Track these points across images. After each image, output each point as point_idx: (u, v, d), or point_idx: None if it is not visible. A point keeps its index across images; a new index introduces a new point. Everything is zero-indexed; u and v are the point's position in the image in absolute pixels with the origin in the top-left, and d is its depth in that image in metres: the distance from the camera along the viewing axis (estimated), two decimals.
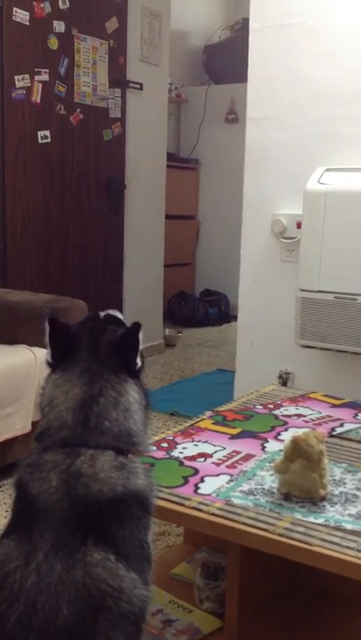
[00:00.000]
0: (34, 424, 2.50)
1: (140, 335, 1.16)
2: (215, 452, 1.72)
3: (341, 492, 1.50)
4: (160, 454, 1.69)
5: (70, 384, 1.14)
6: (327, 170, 2.63)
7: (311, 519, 1.38)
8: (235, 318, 3.34)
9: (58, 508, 1.05)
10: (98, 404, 1.12)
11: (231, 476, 1.58)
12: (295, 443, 1.45)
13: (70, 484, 1.06)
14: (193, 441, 1.79)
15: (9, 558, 1.03)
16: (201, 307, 5.88)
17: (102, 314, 1.27)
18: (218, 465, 1.64)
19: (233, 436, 1.82)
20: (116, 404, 1.13)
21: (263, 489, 1.51)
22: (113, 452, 1.12)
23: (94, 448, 1.10)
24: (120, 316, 1.30)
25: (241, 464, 1.65)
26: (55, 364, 1.17)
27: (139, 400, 1.18)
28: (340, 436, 1.86)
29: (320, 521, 1.37)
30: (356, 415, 2.02)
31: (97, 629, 1.00)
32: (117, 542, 1.05)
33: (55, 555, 1.02)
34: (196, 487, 1.52)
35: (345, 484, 1.55)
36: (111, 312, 1.30)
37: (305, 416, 2.00)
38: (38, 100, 3.65)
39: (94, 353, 1.15)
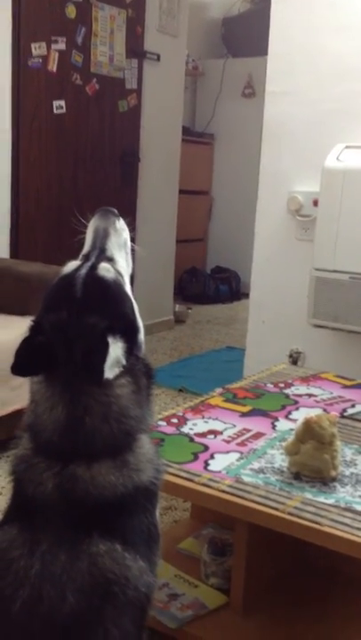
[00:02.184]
0: None
1: (109, 340, 1.00)
2: (225, 429, 1.71)
3: (352, 474, 1.50)
4: (170, 430, 1.69)
5: (52, 401, 1.04)
6: (347, 147, 2.59)
7: (321, 499, 1.37)
8: (245, 296, 3.33)
9: (57, 508, 1.01)
10: (84, 424, 1.02)
11: (241, 453, 1.57)
12: (307, 424, 1.44)
13: (66, 488, 1.01)
14: (203, 418, 1.78)
15: (12, 546, 1.02)
16: (212, 283, 5.86)
17: (82, 276, 1.06)
18: (228, 442, 1.63)
19: (243, 414, 1.81)
20: (106, 417, 1.03)
21: (273, 467, 1.50)
22: (110, 456, 1.04)
23: (88, 459, 1.03)
24: (107, 273, 1.08)
25: (251, 442, 1.64)
26: (26, 371, 1.05)
27: (134, 390, 1.06)
28: (351, 417, 1.85)
29: (330, 501, 1.37)
30: None
31: (104, 616, 1.00)
32: (125, 532, 1.03)
33: (59, 546, 1.00)
34: (206, 464, 1.52)
35: (356, 465, 1.55)
36: (97, 270, 1.08)
37: (316, 396, 1.99)
38: (54, 69, 3.60)
39: (71, 361, 1.01)
